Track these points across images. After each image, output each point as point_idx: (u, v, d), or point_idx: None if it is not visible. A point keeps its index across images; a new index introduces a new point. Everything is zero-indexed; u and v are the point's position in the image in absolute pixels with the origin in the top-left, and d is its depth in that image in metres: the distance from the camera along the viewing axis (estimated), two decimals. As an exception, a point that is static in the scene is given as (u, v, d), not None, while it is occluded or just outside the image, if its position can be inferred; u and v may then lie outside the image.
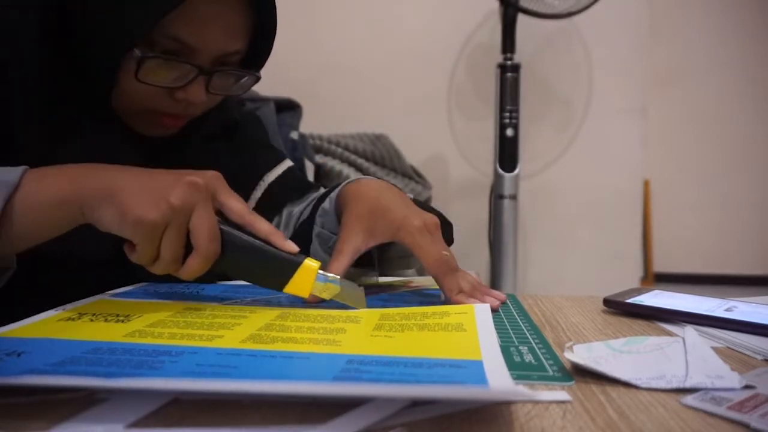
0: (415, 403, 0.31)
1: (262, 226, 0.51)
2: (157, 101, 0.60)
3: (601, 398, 0.33)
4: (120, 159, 0.52)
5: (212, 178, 0.50)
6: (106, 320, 0.45)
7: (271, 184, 0.76)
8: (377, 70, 1.77)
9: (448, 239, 0.60)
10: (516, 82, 1.48)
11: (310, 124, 1.49)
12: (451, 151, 1.78)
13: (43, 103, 0.58)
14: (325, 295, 0.51)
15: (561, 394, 0.33)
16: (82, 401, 0.31)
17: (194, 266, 0.48)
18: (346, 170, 1.45)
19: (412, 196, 0.65)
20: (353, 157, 1.50)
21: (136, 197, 0.46)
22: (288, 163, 0.80)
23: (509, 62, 1.49)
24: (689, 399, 0.32)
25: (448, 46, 1.75)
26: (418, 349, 0.39)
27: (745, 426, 0.29)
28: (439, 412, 0.30)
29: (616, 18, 1.69)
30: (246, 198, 0.75)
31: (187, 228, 0.47)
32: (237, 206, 0.51)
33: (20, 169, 0.47)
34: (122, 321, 0.45)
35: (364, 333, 0.43)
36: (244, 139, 0.77)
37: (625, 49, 1.72)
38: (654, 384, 0.35)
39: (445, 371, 0.33)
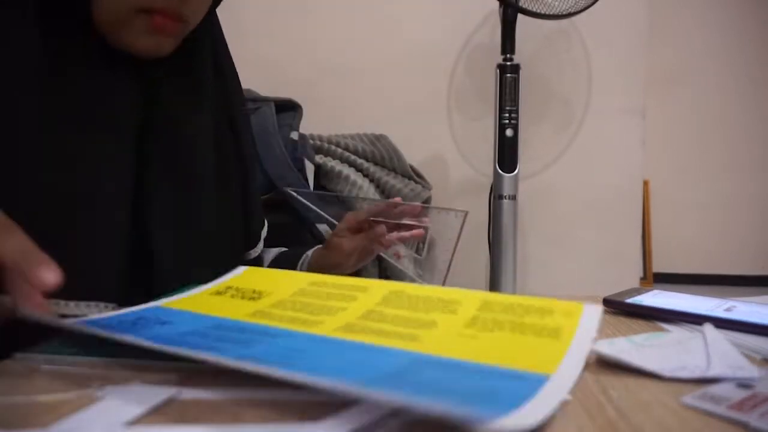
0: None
1: None
2: None
3: (601, 398, 0.33)
4: (115, 100, 0.52)
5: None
6: (242, 297, 0.50)
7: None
8: (377, 71, 1.77)
9: None
10: (516, 82, 1.48)
11: (310, 125, 1.49)
12: (450, 151, 1.78)
13: (40, 52, 0.53)
14: None
15: (561, 394, 0.33)
16: (83, 400, 0.31)
17: None
18: (346, 170, 1.44)
19: None
20: (353, 157, 1.50)
21: None
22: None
23: (509, 63, 1.49)
24: (689, 398, 0.32)
25: (448, 46, 1.75)
26: (494, 354, 0.36)
27: (744, 425, 0.29)
28: (439, 412, 0.30)
29: (616, 18, 1.69)
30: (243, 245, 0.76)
31: None
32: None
33: None
34: (254, 299, 0.49)
35: (454, 329, 0.41)
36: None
37: (625, 49, 1.72)
38: (677, 374, 0.35)
39: (494, 384, 0.31)
